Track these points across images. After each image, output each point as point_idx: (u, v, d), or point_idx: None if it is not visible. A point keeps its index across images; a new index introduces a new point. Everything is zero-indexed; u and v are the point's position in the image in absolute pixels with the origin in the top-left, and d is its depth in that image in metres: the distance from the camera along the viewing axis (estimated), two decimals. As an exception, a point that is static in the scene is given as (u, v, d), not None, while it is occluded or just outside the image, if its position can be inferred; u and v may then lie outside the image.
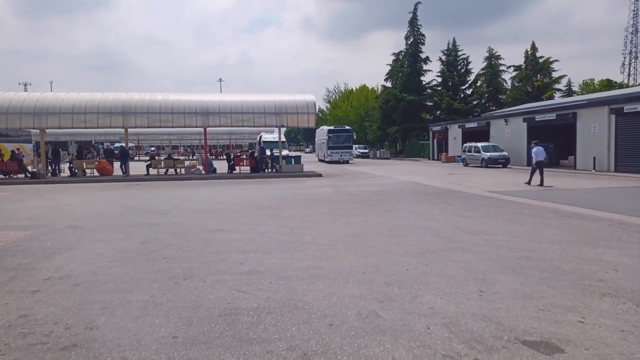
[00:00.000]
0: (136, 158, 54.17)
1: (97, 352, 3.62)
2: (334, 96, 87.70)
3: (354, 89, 78.47)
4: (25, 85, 72.85)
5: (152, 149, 71.58)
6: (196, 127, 24.79)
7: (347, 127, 45.92)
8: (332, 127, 44.71)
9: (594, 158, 25.69)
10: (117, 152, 30.12)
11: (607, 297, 4.75)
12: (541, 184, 17.43)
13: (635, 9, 79.82)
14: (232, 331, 3.96)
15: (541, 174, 17.72)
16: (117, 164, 26.23)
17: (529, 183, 17.78)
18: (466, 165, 34.13)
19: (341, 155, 41.50)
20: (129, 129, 24.78)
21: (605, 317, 4.20)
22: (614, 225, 8.99)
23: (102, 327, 4.11)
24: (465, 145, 35.97)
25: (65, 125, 23.29)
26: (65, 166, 28.06)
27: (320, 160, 46.16)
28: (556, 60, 55.74)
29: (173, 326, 4.10)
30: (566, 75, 58.49)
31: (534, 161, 18.14)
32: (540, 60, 55.48)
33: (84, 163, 25.11)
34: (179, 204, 13.37)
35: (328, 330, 3.95)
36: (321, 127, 47.95)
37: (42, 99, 23.09)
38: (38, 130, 25.16)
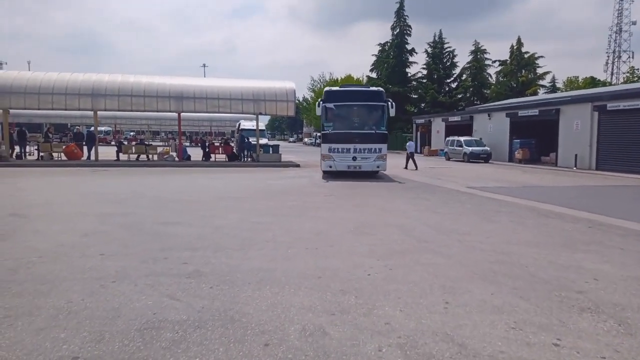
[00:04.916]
0: (113, 143, 52.55)
1: (-28, 378, 2.94)
2: (319, 85, 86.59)
3: (339, 78, 77.50)
4: (0, 63, 70.02)
5: (132, 133, 69.71)
6: (170, 111, 23.82)
7: (374, 88, 18.93)
8: (334, 88, 19.48)
9: (576, 155, 25.49)
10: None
11: (586, 312, 4.22)
12: (411, 168, 22.91)
13: (620, 8, 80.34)
14: (146, 352, 3.31)
15: (413, 160, 23.32)
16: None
17: (415, 168, 22.74)
18: (448, 159, 33.79)
19: (355, 159, 17.29)
20: (105, 112, 23.75)
21: (583, 338, 3.66)
22: (595, 226, 8.54)
23: (-6, 343, 3.42)
24: (447, 139, 35.63)
25: (31, 106, 22.10)
26: (33, 149, 26.87)
27: (326, 172, 18.22)
28: (541, 57, 55.82)
29: (79, 342, 3.44)
30: (551, 72, 58.59)
31: (407, 151, 23.79)
32: (526, 56, 55.42)
33: (51, 146, 23.96)
34: (142, 192, 12.59)
35: (261, 353, 3.33)
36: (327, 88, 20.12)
37: (5, 77, 21.88)
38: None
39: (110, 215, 8.78)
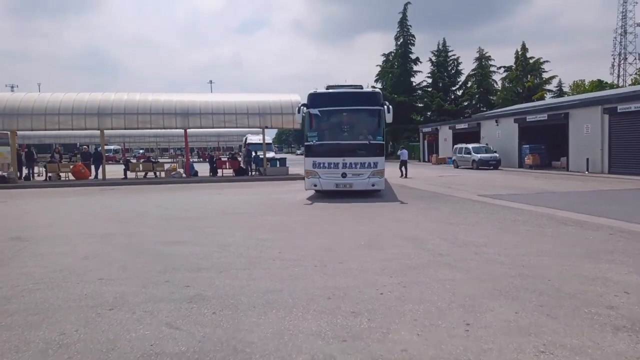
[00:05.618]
0: (121, 161, 52.72)
1: None
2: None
3: (345, 90, 77.43)
4: (12, 87, 70.53)
5: (141, 151, 69.98)
6: (176, 128, 23.78)
7: (368, 90, 18.38)
8: (320, 90, 14.93)
9: (587, 159, 24.94)
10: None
11: (622, 331, 3.86)
12: (405, 176, 23.35)
13: (624, 10, 79.89)
14: (140, 391, 3.02)
15: (405, 168, 24.04)
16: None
17: (405, 176, 23.37)
18: (457, 167, 33.37)
19: (344, 175, 14.07)
20: (112, 131, 23.74)
21: (623, 363, 3.30)
22: (616, 234, 8.14)
23: (-23, 383, 3.15)
24: (455, 146, 35.22)
25: (38, 127, 22.18)
26: (42, 169, 26.90)
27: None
28: (547, 61, 55.41)
29: (68, 381, 3.15)
30: (557, 76, 58.12)
31: (400, 159, 24.62)
32: (531, 61, 55.04)
33: (59, 166, 23.95)
34: (148, 210, 12.38)
35: (266, 389, 3.02)
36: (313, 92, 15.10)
37: (12, 99, 21.98)
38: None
39: (114, 236, 8.55)
